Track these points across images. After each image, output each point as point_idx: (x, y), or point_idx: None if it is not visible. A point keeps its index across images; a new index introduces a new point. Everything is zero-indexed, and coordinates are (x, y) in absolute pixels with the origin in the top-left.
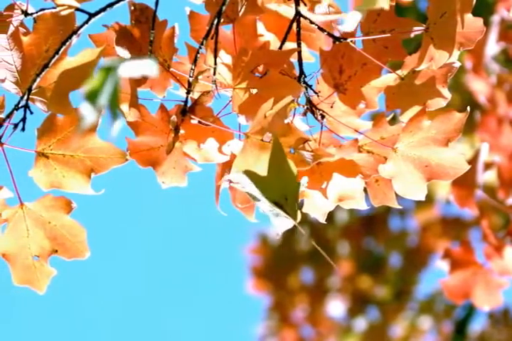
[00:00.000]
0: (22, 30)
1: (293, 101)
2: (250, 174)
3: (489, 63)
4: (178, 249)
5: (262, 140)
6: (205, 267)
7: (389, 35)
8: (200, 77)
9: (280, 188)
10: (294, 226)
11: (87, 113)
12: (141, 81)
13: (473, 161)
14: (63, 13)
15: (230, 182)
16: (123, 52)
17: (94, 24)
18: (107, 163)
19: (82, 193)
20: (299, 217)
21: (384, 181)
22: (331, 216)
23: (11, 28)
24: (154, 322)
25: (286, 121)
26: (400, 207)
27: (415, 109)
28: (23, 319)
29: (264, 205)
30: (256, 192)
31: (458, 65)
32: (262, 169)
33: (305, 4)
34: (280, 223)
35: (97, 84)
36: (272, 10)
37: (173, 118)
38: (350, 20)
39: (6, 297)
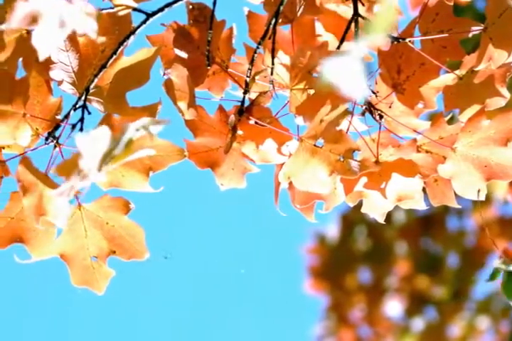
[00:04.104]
0: None
1: (347, 109)
2: None
3: None
4: (237, 249)
5: (314, 145)
6: (263, 267)
7: (447, 35)
8: (257, 77)
9: None
10: (351, 226)
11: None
12: (199, 80)
13: None
14: (121, 13)
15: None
16: (180, 51)
17: (151, 24)
18: (164, 161)
19: (140, 191)
20: None
21: (443, 181)
22: (388, 216)
23: None
24: (211, 322)
25: (338, 129)
26: (459, 207)
27: (474, 109)
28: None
29: None
30: None
31: None
32: (309, 174)
33: (363, 4)
34: None
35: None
36: (330, 10)
37: (232, 117)
38: None
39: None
